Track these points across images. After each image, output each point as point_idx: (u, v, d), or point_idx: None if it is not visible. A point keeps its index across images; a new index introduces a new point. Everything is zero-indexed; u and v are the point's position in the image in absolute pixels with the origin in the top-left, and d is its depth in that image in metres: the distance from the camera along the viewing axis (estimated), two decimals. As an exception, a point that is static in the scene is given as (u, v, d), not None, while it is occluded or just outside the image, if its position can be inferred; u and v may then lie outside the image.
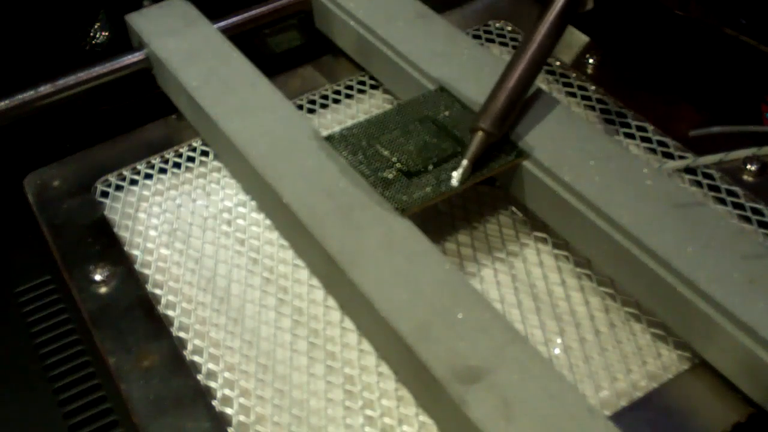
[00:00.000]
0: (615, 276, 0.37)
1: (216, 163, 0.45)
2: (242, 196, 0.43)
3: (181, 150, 0.45)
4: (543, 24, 0.39)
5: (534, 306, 0.37)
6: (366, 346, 0.36)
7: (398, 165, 0.38)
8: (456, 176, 0.37)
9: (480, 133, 0.38)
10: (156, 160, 0.45)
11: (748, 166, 0.42)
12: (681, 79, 0.49)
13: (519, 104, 0.39)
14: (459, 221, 0.41)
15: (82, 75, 0.46)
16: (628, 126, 0.45)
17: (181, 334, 0.36)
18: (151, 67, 0.47)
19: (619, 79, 0.48)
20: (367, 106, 0.48)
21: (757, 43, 0.50)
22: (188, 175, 0.44)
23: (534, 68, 0.39)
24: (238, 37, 0.48)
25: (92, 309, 0.37)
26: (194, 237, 0.41)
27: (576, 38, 0.51)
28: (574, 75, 0.49)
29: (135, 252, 0.40)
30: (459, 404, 0.29)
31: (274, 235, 0.41)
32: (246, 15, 0.51)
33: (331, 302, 0.38)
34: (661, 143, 0.44)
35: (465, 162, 0.37)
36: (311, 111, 0.48)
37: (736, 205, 0.40)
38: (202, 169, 0.44)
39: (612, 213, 0.35)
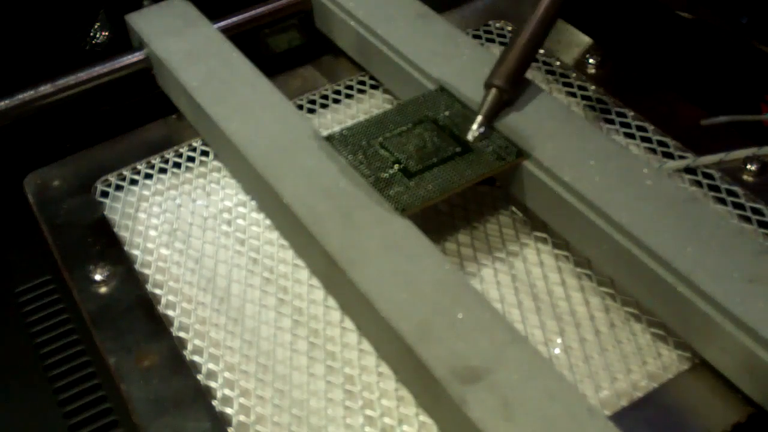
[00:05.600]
0: (615, 276, 0.37)
1: (216, 163, 0.45)
2: (242, 196, 0.43)
3: (181, 150, 0.45)
4: None
5: (534, 306, 0.37)
6: (366, 346, 0.36)
7: (398, 165, 0.38)
8: (471, 132, 0.38)
9: (494, 90, 0.38)
10: (156, 160, 0.45)
11: (748, 166, 0.42)
12: (681, 78, 0.49)
13: (530, 62, 0.40)
14: (459, 221, 0.41)
15: (82, 75, 0.46)
16: (628, 126, 0.45)
17: (181, 334, 0.36)
18: (151, 67, 0.47)
19: (619, 79, 0.48)
20: (367, 106, 0.48)
21: (757, 43, 0.50)
22: (188, 175, 0.44)
23: (544, 26, 0.40)
24: (238, 37, 0.48)
25: (92, 309, 0.37)
26: (194, 237, 0.41)
27: (576, 38, 0.51)
28: (574, 75, 0.49)
29: (135, 252, 0.40)
30: (459, 404, 0.29)
31: (274, 235, 0.41)
32: (246, 15, 0.51)
33: (331, 302, 0.38)
34: (661, 143, 0.44)
35: (479, 118, 0.38)
36: (311, 111, 0.48)
37: (736, 205, 0.40)
38: (202, 169, 0.44)
39: (612, 213, 0.35)
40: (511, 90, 0.39)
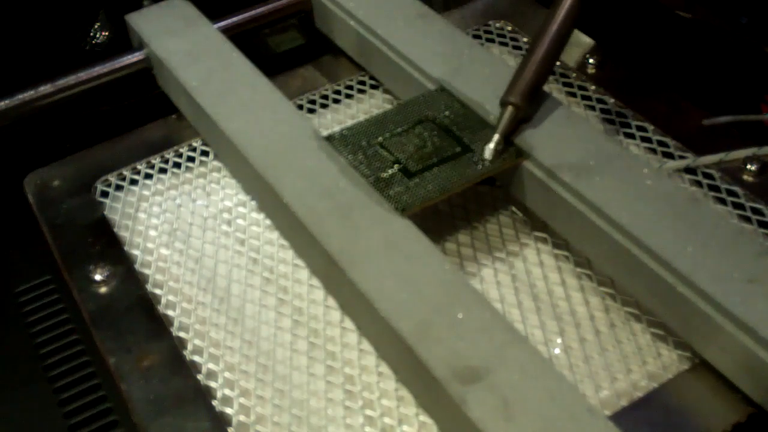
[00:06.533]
0: (615, 276, 0.37)
1: (216, 163, 0.45)
2: (242, 196, 0.43)
3: (181, 150, 0.45)
4: None
5: (534, 306, 0.37)
6: (366, 346, 0.36)
7: (398, 165, 0.38)
8: (488, 151, 0.38)
9: (510, 108, 0.38)
10: (156, 160, 0.45)
11: (748, 166, 0.42)
12: (681, 79, 0.49)
13: (547, 77, 0.40)
14: (459, 221, 0.41)
15: (82, 75, 0.46)
16: (628, 126, 0.45)
17: (181, 334, 0.36)
18: (151, 67, 0.47)
19: (619, 79, 0.48)
20: (367, 106, 0.48)
21: (757, 43, 0.50)
22: (188, 175, 0.44)
23: (559, 42, 0.40)
24: (238, 37, 0.48)
25: (92, 309, 0.37)
26: (194, 237, 0.41)
27: (576, 38, 0.51)
28: (574, 75, 0.49)
29: (135, 252, 0.40)
30: (459, 404, 0.29)
31: (274, 235, 0.41)
32: (246, 15, 0.51)
33: (331, 302, 0.38)
34: (661, 143, 0.44)
35: (496, 137, 0.38)
36: (311, 111, 0.48)
37: (736, 205, 0.40)
38: (202, 169, 0.44)
39: (612, 213, 0.35)
40: (528, 107, 0.39)
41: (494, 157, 0.38)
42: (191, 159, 0.45)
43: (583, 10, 0.40)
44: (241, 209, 0.42)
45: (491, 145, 0.38)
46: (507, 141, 0.38)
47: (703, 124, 0.43)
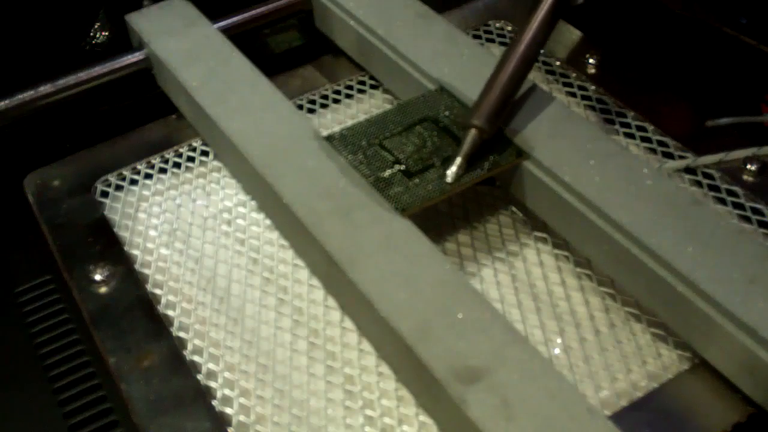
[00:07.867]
0: (615, 276, 0.37)
1: (216, 163, 0.45)
2: (242, 196, 0.43)
3: (181, 150, 0.45)
4: (534, 19, 0.39)
5: (534, 306, 0.37)
6: (366, 346, 0.36)
7: (398, 165, 0.38)
8: (450, 174, 0.37)
9: (473, 131, 0.38)
10: (156, 160, 0.45)
11: (748, 166, 0.42)
12: (681, 79, 0.49)
13: (511, 100, 0.39)
14: (459, 221, 0.41)
15: (82, 75, 0.46)
16: (628, 126, 0.45)
17: (181, 334, 0.36)
18: (151, 67, 0.47)
19: (619, 79, 0.48)
20: (367, 106, 0.48)
21: (757, 43, 0.50)
22: (188, 175, 0.44)
23: (526, 64, 0.39)
24: (238, 37, 0.48)
25: (92, 309, 0.37)
26: (194, 237, 0.41)
27: (576, 38, 0.51)
28: (574, 75, 0.49)
29: (135, 252, 0.40)
30: (459, 404, 0.29)
31: (274, 235, 0.41)
32: (246, 15, 0.51)
33: (331, 302, 0.38)
34: (661, 143, 0.44)
35: (459, 159, 0.37)
36: (311, 111, 0.48)
37: (736, 205, 0.40)
38: (202, 169, 0.44)
39: (612, 213, 0.35)
40: (492, 129, 0.38)
41: (455, 180, 0.37)
42: (191, 159, 0.45)
43: (552, 30, 0.40)
44: (241, 209, 0.42)
45: (454, 168, 0.37)
46: (477, 156, 0.38)
47: (706, 125, 0.43)
